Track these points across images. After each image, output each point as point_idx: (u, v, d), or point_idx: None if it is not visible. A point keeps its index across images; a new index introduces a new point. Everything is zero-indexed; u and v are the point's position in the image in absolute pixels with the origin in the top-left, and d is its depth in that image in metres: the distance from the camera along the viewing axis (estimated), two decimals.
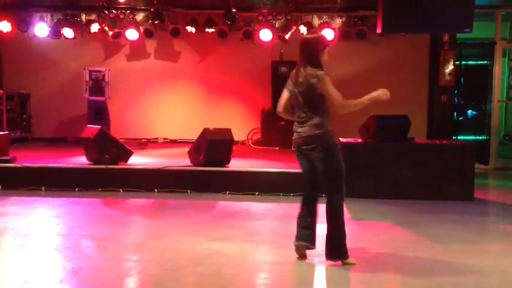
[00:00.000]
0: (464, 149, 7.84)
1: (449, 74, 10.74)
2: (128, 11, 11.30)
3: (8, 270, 4.55)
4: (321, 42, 4.80)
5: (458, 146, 8.31)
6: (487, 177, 9.96)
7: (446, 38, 10.69)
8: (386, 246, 5.32)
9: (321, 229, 4.75)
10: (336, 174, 4.56)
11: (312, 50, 4.72)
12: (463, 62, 11.18)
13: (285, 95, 4.91)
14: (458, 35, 10.60)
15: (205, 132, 8.00)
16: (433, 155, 7.70)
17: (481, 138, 11.04)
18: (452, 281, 4.36)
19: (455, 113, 11.23)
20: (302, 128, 4.66)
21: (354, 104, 4.84)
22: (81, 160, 8.42)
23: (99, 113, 11.00)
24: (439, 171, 7.59)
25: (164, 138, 11.72)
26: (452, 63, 10.71)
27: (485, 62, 11.02)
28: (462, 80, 11.25)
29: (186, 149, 8.59)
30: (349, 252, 4.63)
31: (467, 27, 7.88)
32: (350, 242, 5.50)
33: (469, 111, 11.72)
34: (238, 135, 10.19)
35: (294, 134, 4.72)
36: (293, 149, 4.76)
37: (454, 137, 10.90)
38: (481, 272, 4.57)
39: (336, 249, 4.61)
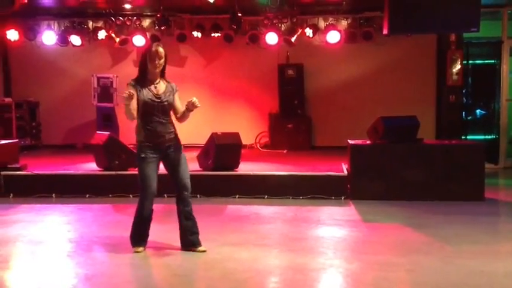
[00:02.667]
0: (473, 149, 7.81)
1: (456, 74, 10.71)
2: (135, 18, 11.38)
3: (20, 278, 4.58)
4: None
5: (468, 146, 8.28)
6: (497, 176, 9.91)
7: (453, 37, 10.66)
8: (397, 248, 5.30)
9: None
10: None
11: None
12: (470, 62, 11.13)
13: None
14: (465, 35, 10.57)
15: (213, 136, 8.01)
16: (442, 156, 7.68)
17: (490, 137, 10.99)
18: (465, 282, 4.34)
19: (463, 113, 11.18)
20: None
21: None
22: (91, 166, 8.46)
23: (107, 119, 11.07)
24: (449, 172, 7.57)
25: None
26: (459, 62, 10.68)
27: (493, 61, 10.97)
28: (470, 80, 11.20)
29: (194, 154, 8.60)
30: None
31: (474, 27, 7.85)
32: (359, 244, 5.53)
33: (478, 111, 11.67)
34: (246, 139, 10.21)
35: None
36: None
37: (463, 137, 10.85)
38: (493, 273, 4.55)
39: None
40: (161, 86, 5.05)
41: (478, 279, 4.40)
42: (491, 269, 4.64)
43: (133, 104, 4.91)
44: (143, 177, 5.08)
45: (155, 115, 4.98)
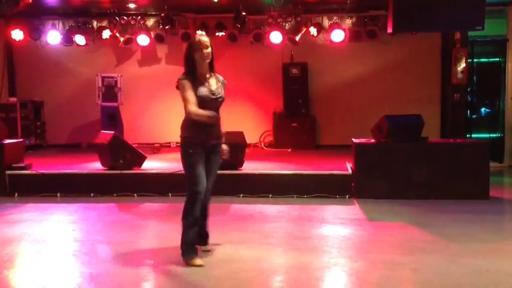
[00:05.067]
0: (478, 147, 7.79)
1: (461, 72, 10.67)
2: (139, 17, 11.39)
3: (25, 277, 4.59)
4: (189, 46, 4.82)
5: (472, 144, 8.26)
6: (502, 175, 9.87)
7: (457, 36, 10.62)
8: (402, 247, 5.29)
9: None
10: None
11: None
12: (475, 60, 11.09)
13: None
14: (470, 33, 10.53)
15: None
16: (447, 154, 7.66)
17: (495, 135, 10.95)
18: (470, 281, 4.33)
19: (468, 111, 11.15)
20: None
21: (200, 114, 4.72)
22: (95, 166, 8.48)
23: (112, 118, 11.08)
24: (453, 170, 7.55)
25: (177, 143, 11.58)
26: (464, 61, 10.64)
27: (498, 59, 10.94)
28: (475, 78, 11.16)
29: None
30: (192, 254, 4.75)
31: (479, 25, 7.83)
32: (364, 243, 5.52)
33: (483, 109, 11.63)
34: (251, 138, 10.20)
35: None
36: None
37: (467, 136, 10.82)
38: (499, 272, 4.53)
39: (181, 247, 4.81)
40: (213, 81, 4.82)
41: (483, 278, 4.38)
42: (497, 268, 4.62)
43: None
44: (193, 174, 4.74)
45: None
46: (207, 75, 4.80)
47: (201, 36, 4.80)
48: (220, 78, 4.93)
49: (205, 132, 4.78)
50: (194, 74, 4.75)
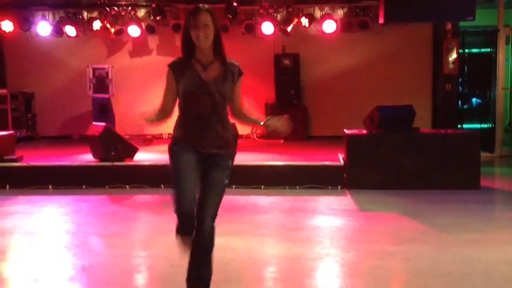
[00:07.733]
0: (469, 138, 7.82)
1: (452, 63, 10.70)
2: (130, 8, 11.32)
3: (17, 269, 4.58)
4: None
5: (464, 134, 8.30)
6: (492, 165, 9.93)
7: (449, 26, 10.65)
8: (393, 237, 5.32)
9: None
10: None
11: None
12: (466, 50, 11.13)
13: None
14: (461, 23, 10.56)
15: None
16: (438, 145, 7.68)
17: (486, 126, 11.01)
18: (461, 270, 4.36)
19: (459, 102, 11.19)
20: None
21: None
22: (87, 158, 8.44)
23: (103, 110, 11.04)
24: (445, 161, 7.58)
25: (169, 134, 11.61)
26: (455, 51, 10.67)
27: (489, 49, 10.97)
28: (466, 68, 11.20)
29: None
30: None
31: (470, 15, 7.86)
32: (356, 233, 5.55)
33: (474, 100, 11.69)
34: (243, 129, 10.13)
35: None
36: None
37: (459, 126, 10.87)
38: (490, 261, 4.56)
39: None
40: (214, 69, 3.51)
41: (474, 268, 4.41)
42: (488, 257, 4.66)
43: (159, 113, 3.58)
44: (174, 176, 3.65)
45: (199, 109, 3.48)
46: (209, 61, 3.51)
47: (201, 9, 3.46)
48: (235, 67, 3.65)
49: (195, 137, 3.63)
50: (188, 59, 3.51)
